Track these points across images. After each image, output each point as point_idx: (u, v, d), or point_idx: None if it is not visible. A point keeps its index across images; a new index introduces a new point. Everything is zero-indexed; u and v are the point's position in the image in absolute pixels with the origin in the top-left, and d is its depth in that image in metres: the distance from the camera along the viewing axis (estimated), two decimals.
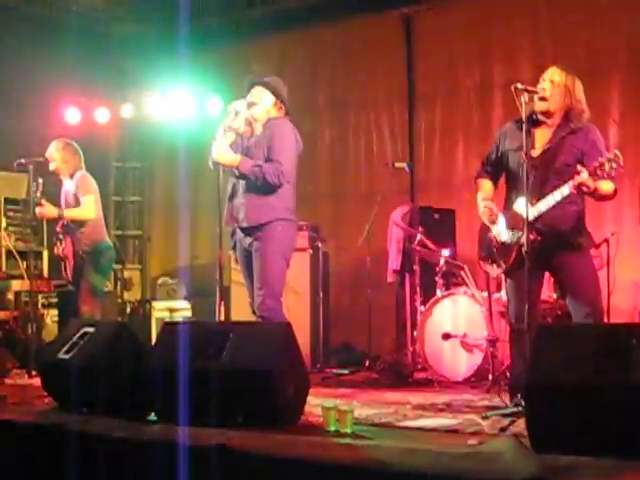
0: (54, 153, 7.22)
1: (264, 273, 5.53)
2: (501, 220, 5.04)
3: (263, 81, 5.78)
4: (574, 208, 4.93)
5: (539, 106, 4.92)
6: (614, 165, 4.62)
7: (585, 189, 4.68)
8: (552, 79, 4.94)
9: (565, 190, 4.75)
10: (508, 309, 5.20)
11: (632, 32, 7.97)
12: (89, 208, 7.12)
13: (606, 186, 4.79)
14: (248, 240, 5.63)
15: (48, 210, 7.10)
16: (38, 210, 7.14)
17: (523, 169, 4.77)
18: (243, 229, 5.64)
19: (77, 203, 7.12)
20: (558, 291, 5.25)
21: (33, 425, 4.54)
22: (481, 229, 5.22)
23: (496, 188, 5.29)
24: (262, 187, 5.55)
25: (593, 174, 4.65)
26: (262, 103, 5.72)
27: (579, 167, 4.68)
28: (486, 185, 5.25)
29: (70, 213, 7.09)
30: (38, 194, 7.12)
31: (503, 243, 5.01)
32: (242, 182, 5.64)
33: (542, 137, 4.99)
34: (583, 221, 5.04)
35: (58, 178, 7.36)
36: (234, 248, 5.79)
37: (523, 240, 4.77)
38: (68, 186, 7.22)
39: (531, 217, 4.79)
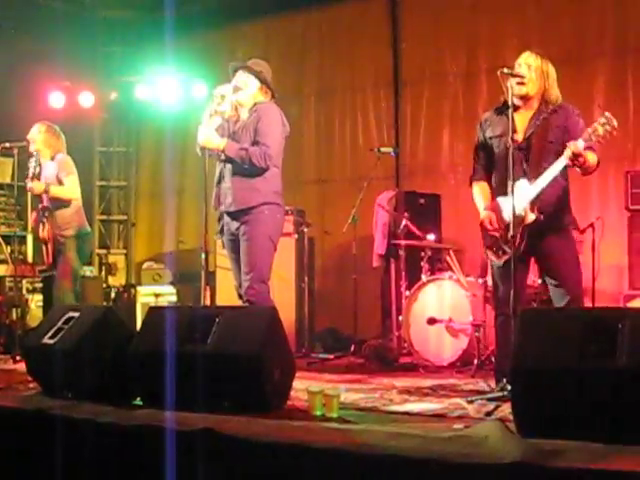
0: (36, 135, 7.18)
1: (252, 257, 5.52)
2: (503, 206, 5.04)
3: (247, 66, 5.75)
4: (562, 185, 4.98)
5: (518, 90, 4.94)
6: (607, 127, 4.67)
7: (581, 159, 4.71)
8: (528, 63, 4.98)
9: (561, 163, 4.77)
10: (494, 294, 5.22)
11: (618, 19, 7.99)
12: (73, 187, 7.09)
13: (592, 157, 4.83)
14: (235, 224, 5.61)
15: (37, 185, 7.05)
16: (28, 185, 7.10)
17: (510, 154, 4.77)
18: (230, 213, 5.63)
19: (60, 184, 7.07)
20: (541, 276, 5.25)
21: (18, 410, 4.52)
22: (481, 222, 5.22)
23: (491, 187, 5.28)
24: (249, 170, 5.54)
25: (588, 139, 4.69)
26: (247, 88, 5.70)
27: (567, 143, 4.72)
28: (484, 188, 5.22)
29: (55, 190, 7.03)
30: (33, 169, 7.06)
31: (507, 229, 4.99)
32: (229, 166, 5.62)
33: (522, 121, 5.03)
34: (569, 199, 5.09)
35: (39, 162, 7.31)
36: (221, 232, 5.78)
37: (527, 220, 4.81)
38: (49, 168, 7.16)
39: (533, 195, 4.83)
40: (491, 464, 3.05)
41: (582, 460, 3.00)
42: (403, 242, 7.47)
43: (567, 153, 4.72)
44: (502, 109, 5.01)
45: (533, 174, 4.88)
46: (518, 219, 4.83)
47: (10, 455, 4.34)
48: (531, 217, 4.84)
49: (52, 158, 7.17)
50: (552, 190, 4.89)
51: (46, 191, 7.01)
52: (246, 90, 5.69)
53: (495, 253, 5.07)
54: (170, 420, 3.90)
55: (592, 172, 4.99)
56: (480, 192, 5.21)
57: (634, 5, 7.82)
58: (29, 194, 9.11)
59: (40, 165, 7.17)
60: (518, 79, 4.91)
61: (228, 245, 5.75)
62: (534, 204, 4.85)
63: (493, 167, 5.18)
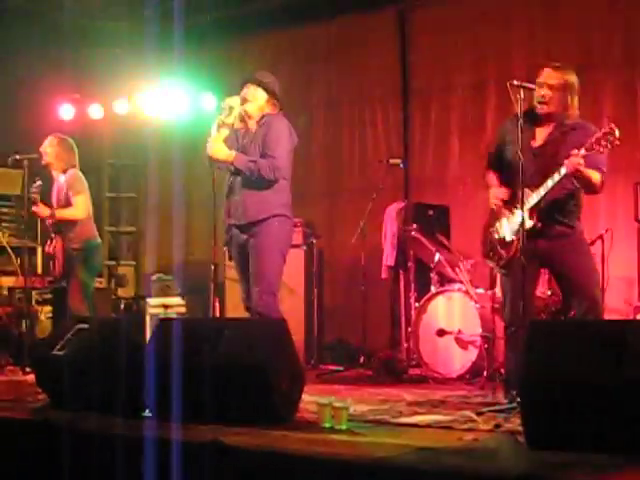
0: (48, 148, 7.20)
1: (261, 269, 5.51)
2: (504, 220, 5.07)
3: (255, 78, 5.77)
4: (568, 191, 4.97)
5: (540, 109, 4.98)
6: (610, 138, 4.67)
7: (576, 166, 4.72)
8: (550, 83, 4.97)
9: (562, 171, 4.79)
10: (503, 305, 5.21)
11: (627, 28, 7.97)
12: (80, 208, 7.09)
13: (592, 173, 4.84)
14: (244, 236, 5.61)
15: (42, 210, 7.08)
16: (33, 209, 7.13)
17: (520, 162, 4.79)
18: (240, 226, 5.63)
19: (67, 202, 7.09)
20: (558, 286, 5.27)
21: (27, 422, 4.53)
22: (485, 225, 5.24)
23: (501, 182, 5.30)
24: (258, 183, 5.54)
25: (590, 149, 4.71)
26: (255, 100, 5.72)
27: (574, 151, 4.74)
28: (495, 176, 5.28)
29: (61, 213, 7.05)
30: (35, 193, 7.09)
31: (504, 238, 5.02)
32: (238, 179, 5.63)
33: (543, 131, 5.06)
34: (579, 206, 5.09)
35: (51, 174, 7.33)
36: (228, 244, 5.78)
37: (525, 227, 4.82)
38: (60, 182, 7.19)
39: (533, 202, 4.86)
40: (499, 476, 3.04)
41: (591, 473, 2.99)
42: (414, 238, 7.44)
43: (570, 161, 4.74)
44: (523, 117, 4.95)
45: (537, 183, 4.89)
46: (518, 225, 4.86)
47: (18, 466, 4.35)
48: (528, 224, 4.84)
49: (64, 172, 7.19)
50: (557, 198, 4.90)
51: (52, 216, 7.04)
52: (254, 102, 5.71)
53: (492, 258, 5.10)
54: (178, 432, 3.91)
55: (595, 192, 4.99)
56: (492, 178, 5.26)
57: None
58: None
59: (53, 179, 7.21)
60: (540, 98, 4.92)
61: (236, 257, 5.75)
62: (533, 211, 4.86)
63: (502, 171, 5.22)
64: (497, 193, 5.13)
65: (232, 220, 5.67)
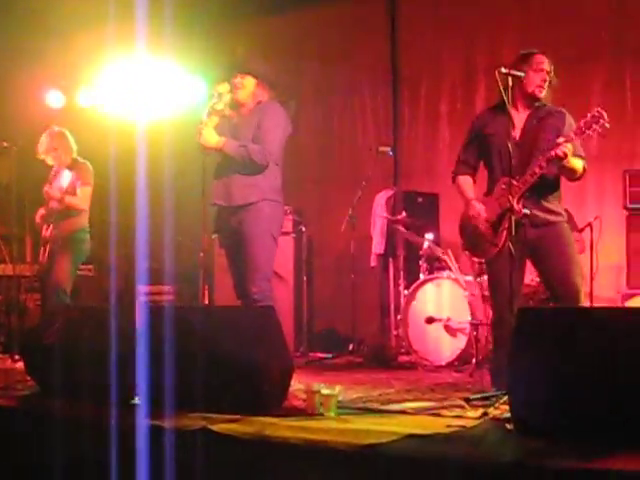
0: (45, 140, 7.17)
1: (255, 256, 5.50)
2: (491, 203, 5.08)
3: (242, 66, 5.75)
4: (551, 180, 5.00)
5: (539, 92, 5.04)
6: (601, 121, 4.70)
7: (562, 151, 4.75)
8: (547, 69, 5.06)
9: (542, 163, 4.83)
10: (490, 293, 5.22)
11: (616, 18, 7.98)
12: (85, 199, 7.11)
13: (575, 162, 4.90)
14: (235, 220, 5.59)
15: (54, 192, 7.07)
16: (46, 189, 7.12)
17: (507, 151, 4.79)
18: (229, 208, 5.62)
19: (73, 191, 7.07)
20: (539, 275, 5.27)
21: (16, 410, 4.53)
22: (462, 220, 5.24)
23: (475, 181, 5.31)
24: (249, 167, 5.54)
25: (580, 133, 4.75)
26: (245, 88, 5.71)
27: (560, 139, 4.78)
28: (468, 182, 5.27)
29: (70, 199, 7.04)
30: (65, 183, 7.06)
31: (492, 226, 5.01)
32: (228, 162, 5.62)
33: (520, 119, 5.07)
34: (560, 194, 5.12)
35: (45, 164, 7.29)
36: (219, 231, 5.77)
37: (516, 215, 4.83)
38: (64, 177, 7.13)
39: (521, 191, 4.88)
40: (488, 463, 3.06)
41: (579, 460, 3.01)
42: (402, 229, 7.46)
43: (557, 149, 4.76)
44: (499, 108, 5.03)
45: (522, 171, 4.90)
46: (506, 214, 4.85)
47: (8, 455, 4.35)
48: (519, 212, 4.85)
49: (71, 163, 7.16)
50: (542, 185, 4.93)
51: (60, 200, 7.01)
52: (244, 90, 5.70)
53: (477, 252, 5.11)
54: (168, 419, 3.91)
55: (576, 179, 5.04)
56: (464, 185, 5.25)
57: (632, 6, 7.82)
58: (26, 194, 9.13)
59: (56, 172, 7.19)
60: (542, 83, 5.00)
61: (226, 243, 5.73)
62: (521, 199, 4.88)
63: (482, 164, 5.22)
64: (478, 209, 5.11)
65: (220, 201, 5.65)
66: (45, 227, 7.13)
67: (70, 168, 7.15)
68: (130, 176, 8.39)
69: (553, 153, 4.78)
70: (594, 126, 4.73)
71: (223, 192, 5.63)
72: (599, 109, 4.75)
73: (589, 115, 4.75)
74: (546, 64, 5.04)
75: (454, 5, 8.87)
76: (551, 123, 5.01)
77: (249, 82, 5.72)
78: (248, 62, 5.80)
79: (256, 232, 5.52)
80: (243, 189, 5.56)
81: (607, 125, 4.72)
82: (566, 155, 4.77)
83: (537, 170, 4.84)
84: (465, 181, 5.27)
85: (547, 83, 5.04)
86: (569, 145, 4.77)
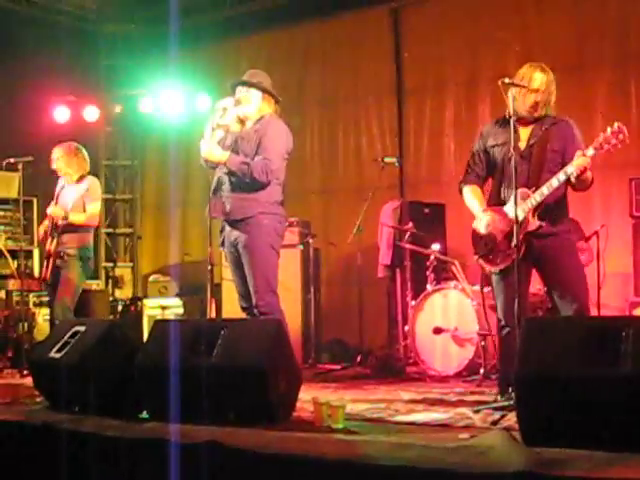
0: (59, 155, 7.17)
1: (257, 270, 5.51)
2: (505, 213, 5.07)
3: (246, 81, 5.76)
4: (562, 193, 5.01)
5: (529, 113, 5.00)
6: (621, 137, 4.71)
7: (585, 173, 4.74)
8: (542, 89, 4.99)
9: (561, 177, 4.80)
10: (496, 303, 5.21)
11: (619, 26, 7.99)
12: (93, 216, 7.12)
13: (589, 174, 4.87)
14: (235, 234, 5.60)
15: (56, 211, 7.06)
16: (50, 210, 7.10)
17: (512, 162, 4.79)
18: (229, 222, 5.63)
19: (81, 207, 7.06)
20: (545, 286, 5.25)
21: (24, 424, 4.53)
22: (475, 228, 5.22)
23: (484, 191, 5.30)
24: (249, 184, 5.54)
25: (599, 148, 4.73)
26: (251, 102, 5.71)
27: (578, 152, 4.77)
28: (477, 192, 5.25)
29: (74, 217, 7.04)
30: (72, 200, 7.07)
31: (506, 237, 4.99)
32: (228, 177, 5.63)
33: (525, 131, 5.06)
34: (567, 207, 5.12)
35: (54, 178, 7.31)
36: (222, 244, 5.78)
37: (530, 227, 4.85)
38: (72, 189, 7.13)
39: (535, 203, 4.87)
40: (496, 473, 3.05)
41: (586, 469, 3.00)
42: (408, 246, 7.47)
43: (578, 161, 4.74)
44: (504, 121, 5.03)
45: (534, 182, 4.91)
46: (520, 226, 4.84)
47: (17, 469, 4.35)
48: (534, 224, 4.86)
49: (78, 180, 7.16)
50: (553, 198, 4.92)
51: (65, 218, 7.01)
52: (251, 104, 5.71)
53: (491, 261, 5.07)
54: (175, 433, 3.91)
55: (585, 189, 5.02)
56: (474, 195, 5.23)
57: (635, 12, 7.83)
58: (34, 209, 9.17)
59: (62, 187, 7.20)
60: (531, 102, 4.96)
61: (229, 256, 5.74)
62: (536, 211, 4.88)
63: (489, 175, 5.22)
64: (488, 220, 5.10)
65: (218, 214, 5.63)
66: (50, 241, 7.12)
67: (79, 183, 7.15)
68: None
69: (571, 170, 4.76)
70: (613, 141, 4.71)
71: (221, 207, 5.63)
72: (619, 124, 4.74)
73: (609, 130, 4.74)
74: (541, 83, 4.97)
75: (458, 16, 8.89)
76: (557, 133, 5.00)
77: (255, 95, 5.73)
78: (254, 75, 5.81)
79: (256, 247, 5.52)
80: (241, 203, 5.56)
81: (627, 141, 4.71)
82: (586, 169, 4.75)
83: (555, 183, 4.83)
84: (473, 192, 5.24)
85: (540, 98, 4.98)
86: (589, 152, 4.74)
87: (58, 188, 7.22)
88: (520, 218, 4.82)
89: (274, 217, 5.61)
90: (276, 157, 5.58)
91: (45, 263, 7.14)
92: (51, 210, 7.08)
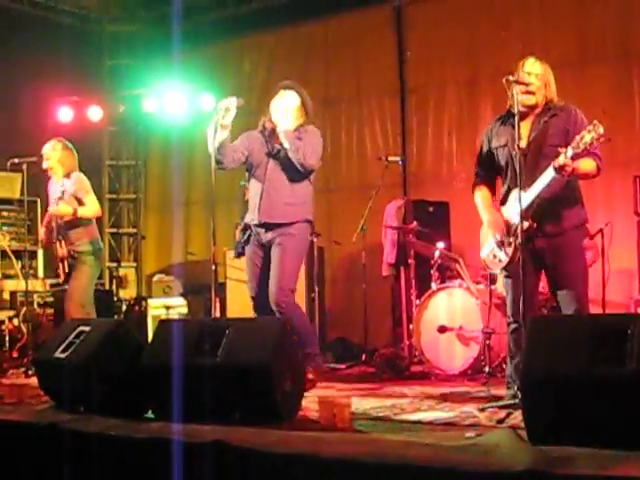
0: (50, 153, 7.16)
1: (285, 267, 5.74)
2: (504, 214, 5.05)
3: (293, 85, 6.03)
4: (560, 187, 4.89)
5: (527, 100, 4.93)
6: (594, 135, 4.56)
7: (568, 169, 4.65)
8: (535, 72, 4.95)
9: (550, 173, 4.74)
10: (505, 303, 5.20)
11: (621, 22, 7.99)
12: (95, 206, 7.13)
13: (586, 165, 4.78)
14: (270, 235, 5.79)
15: (64, 208, 7.03)
16: (54, 208, 7.07)
17: (515, 162, 4.78)
18: (267, 225, 5.79)
19: (80, 202, 7.04)
20: (548, 285, 5.23)
21: (30, 424, 4.53)
22: (483, 229, 5.22)
23: (493, 193, 5.26)
24: (291, 174, 5.77)
25: (576, 147, 4.60)
26: (291, 103, 5.92)
27: (560, 149, 4.67)
28: (486, 196, 5.22)
29: (82, 210, 7.03)
30: (59, 192, 7.05)
31: (508, 233, 4.97)
32: (268, 183, 5.80)
33: (525, 127, 4.99)
34: (574, 202, 5.01)
35: (47, 176, 7.29)
36: (241, 243, 5.88)
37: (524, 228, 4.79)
38: (62, 186, 7.13)
39: (526, 202, 4.78)
40: (502, 472, 3.05)
41: (593, 467, 2.99)
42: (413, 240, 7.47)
43: (553, 164, 4.69)
44: (506, 118, 5.02)
45: (528, 181, 4.83)
46: (514, 227, 4.83)
47: (23, 469, 4.35)
48: (525, 224, 4.80)
49: (66, 176, 7.15)
50: (550, 194, 4.83)
51: (74, 214, 7.00)
52: (290, 105, 5.91)
53: (491, 261, 5.08)
54: (180, 432, 3.91)
55: (593, 177, 4.92)
56: (482, 200, 5.20)
57: (638, 8, 7.82)
58: (38, 209, 9.17)
59: (49, 183, 7.19)
60: (524, 89, 4.89)
61: (254, 256, 5.89)
62: (527, 211, 4.79)
63: (497, 176, 5.20)
64: (499, 223, 5.07)
65: (262, 219, 5.79)
66: (58, 245, 7.09)
67: (66, 179, 7.12)
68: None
69: (553, 173, 4.68)
70: (589, 139, 4.60)
71: (260, 210, 5.80)
72: (595, 122, 4.58)
73: (586, 128, 4.59)
74: (536, 68, 4.94)
75: (460, 15, 8.89)
76: (555, 125, 4.92)
77: (296, 100, 5.93)
78: (294, 84, 6.05)
79: (291, 247, 5.79)
80: (287, 208, 5.80)
81: (602, 139, 4.58)
82: (566, 166, 4.64)
83: (545, 179, 4.77)
84: (482, 197, 5.21)
85: (538, 87, 4.92)
86: (568, 153, 4.60)
87: (58, 188, 7.17)
88: (514, 220, 4.81)
89: (309, 227, 5.99)
90: (316, 160, 5.82)
91: (61, 267, 7.11)
92: (56, 209, 7.03)
